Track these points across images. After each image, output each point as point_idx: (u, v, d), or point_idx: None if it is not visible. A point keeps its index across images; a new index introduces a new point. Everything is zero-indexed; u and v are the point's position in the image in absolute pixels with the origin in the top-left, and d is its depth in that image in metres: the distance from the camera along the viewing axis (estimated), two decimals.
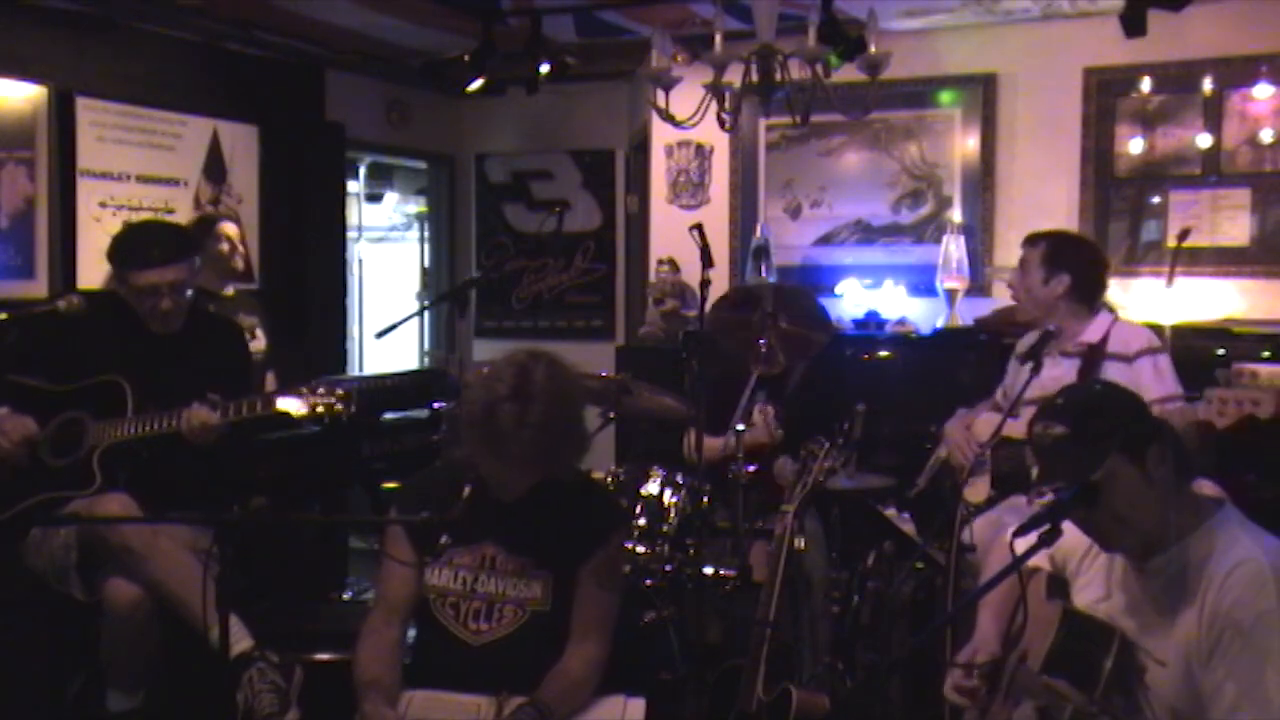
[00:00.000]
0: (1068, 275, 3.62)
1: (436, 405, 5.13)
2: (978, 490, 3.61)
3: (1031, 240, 3.77)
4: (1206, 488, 2.26)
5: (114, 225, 5.30)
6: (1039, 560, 2.34)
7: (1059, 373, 3.49)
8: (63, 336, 3.41)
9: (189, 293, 3.42)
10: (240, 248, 4.87)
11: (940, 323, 5.75)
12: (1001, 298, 5.70)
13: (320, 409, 3.10)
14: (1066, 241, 3.83)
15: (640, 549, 3.80)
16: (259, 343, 4.80)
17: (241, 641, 3.07)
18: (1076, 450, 2.15)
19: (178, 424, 3.20)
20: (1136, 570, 2.21)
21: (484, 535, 2.68)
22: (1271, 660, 2.00)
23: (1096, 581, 2.31)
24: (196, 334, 3.50)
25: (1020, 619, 2.25)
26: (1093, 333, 3.60)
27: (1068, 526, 2.17)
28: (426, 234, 8.02)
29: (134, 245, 3.38)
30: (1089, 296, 3.66)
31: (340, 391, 3.14)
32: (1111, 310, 3.77)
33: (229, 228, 4.82)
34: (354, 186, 7.85)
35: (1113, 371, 3.45)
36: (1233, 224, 5.37)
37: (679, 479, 3.95)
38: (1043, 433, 2.21)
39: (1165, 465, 2.14)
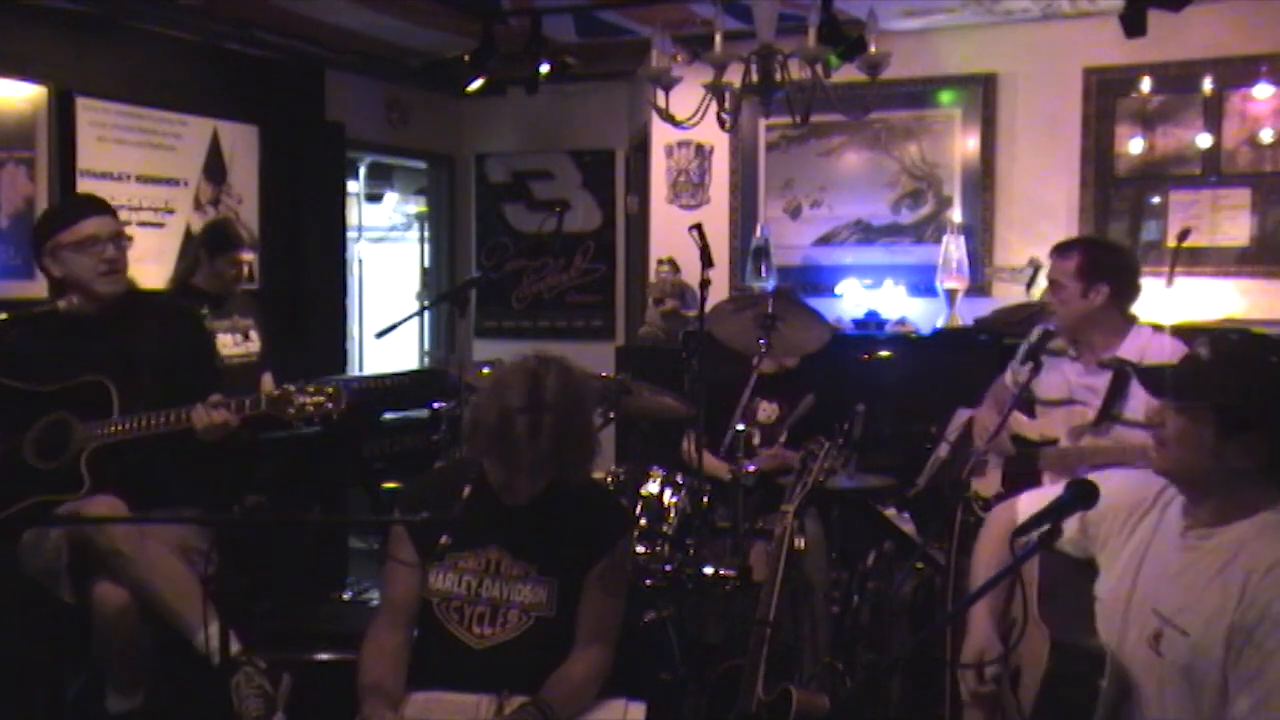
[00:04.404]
0: (1107, 285, 3.45)
1: (436, 405, 5.12)
2: (989, 484, 3.60)
3: (1062, 251, 3.57)
4: None
5: None
6: (1015, 511, 2.41)
7: (1091, 380, 3.45)
8: (63, 336, 3.40)
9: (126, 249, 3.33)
10: (245, 276, 4.85)
11: (940, 323, 5.75)
12: (1002, 297, 5.71)
13: (310, 408, 3.05)
14: (1103, 249, 3.68)
15: (640, 549, 3.79)
16: (253, 344, 4.80)
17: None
18: (1184, 383, 2.15)
19: (184, 423, 3.15)
20: (1180, 541, 2.20)
21: (488, 539, 2.67)
22: None
23: (1134, 547, 2.28)
24: (135, 319, 3.40)
25: (1020, 624, 2.24)
26: (1129, 349, 3.45)
27: (1113, 490, 2.18)
28: (426, 234, 8.02)
29: (57, 210, 3.29)
30: (1127, 304, 3.53)
31: (330, 389, 3.08)
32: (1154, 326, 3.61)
33: (247, 255, 4.79)
34: (354, 186, 7.85)
35: (1142, 390, 3.38)
36: (1233, 224, 5.37)
37: (679, 479, 3.95)
38: (1192, 353, 2.21)
39: (1247, 458, 2.10)
